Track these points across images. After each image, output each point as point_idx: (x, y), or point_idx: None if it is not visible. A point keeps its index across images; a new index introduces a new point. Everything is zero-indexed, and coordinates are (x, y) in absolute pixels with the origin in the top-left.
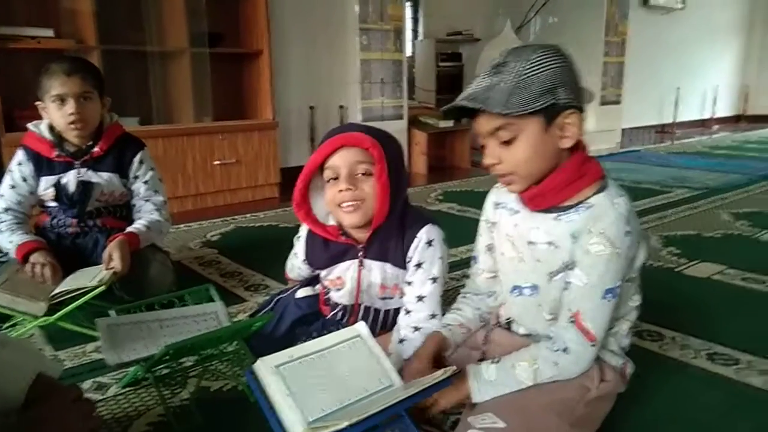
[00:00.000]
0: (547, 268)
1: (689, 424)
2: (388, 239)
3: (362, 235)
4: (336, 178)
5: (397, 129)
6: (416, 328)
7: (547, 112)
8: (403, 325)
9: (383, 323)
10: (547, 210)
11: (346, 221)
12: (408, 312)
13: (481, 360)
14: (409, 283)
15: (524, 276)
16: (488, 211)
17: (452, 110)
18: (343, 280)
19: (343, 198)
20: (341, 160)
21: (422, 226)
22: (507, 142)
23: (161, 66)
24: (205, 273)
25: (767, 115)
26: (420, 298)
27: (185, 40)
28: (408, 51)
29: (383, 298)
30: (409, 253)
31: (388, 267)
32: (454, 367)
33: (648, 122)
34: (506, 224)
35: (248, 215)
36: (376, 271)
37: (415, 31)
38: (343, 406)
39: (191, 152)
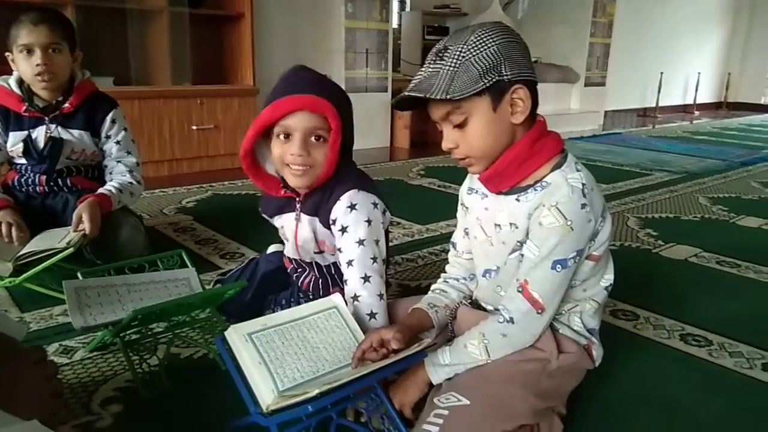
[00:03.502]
0: (508, 249)
1: (659, 402)
2: (321, 196)
3: (302, 189)
4: (287, 136)
5: (381, 101)
6: (354, 297)
7: (492, 90)
8: (346, 297)
9: (333, 279)
10: (509, 192)
11: (292, 183)
12: (345, 282)
13: (451, 339)
14: (340, 250)
15: (493, 259)
16: (463, 196)
17: (402, 101)
18: (284, 231)
19: (293, 161)
20: (297, 123)
21: (347, 190)
22: (460, 126)
23: (138, 25)
24: (179, 239)
25: (748, 102)
26: (349, 263)
27: None
28: (394, 22)
29: (318, 253)
30: (332, 215)
31: (318, 224)
32: (429, 340)
33: (630, 105)
34: (477, 208)
35: (226, 183)
36: (309, 226)
37: (402, 2)
38: (315, 377)
39: (168, 116)
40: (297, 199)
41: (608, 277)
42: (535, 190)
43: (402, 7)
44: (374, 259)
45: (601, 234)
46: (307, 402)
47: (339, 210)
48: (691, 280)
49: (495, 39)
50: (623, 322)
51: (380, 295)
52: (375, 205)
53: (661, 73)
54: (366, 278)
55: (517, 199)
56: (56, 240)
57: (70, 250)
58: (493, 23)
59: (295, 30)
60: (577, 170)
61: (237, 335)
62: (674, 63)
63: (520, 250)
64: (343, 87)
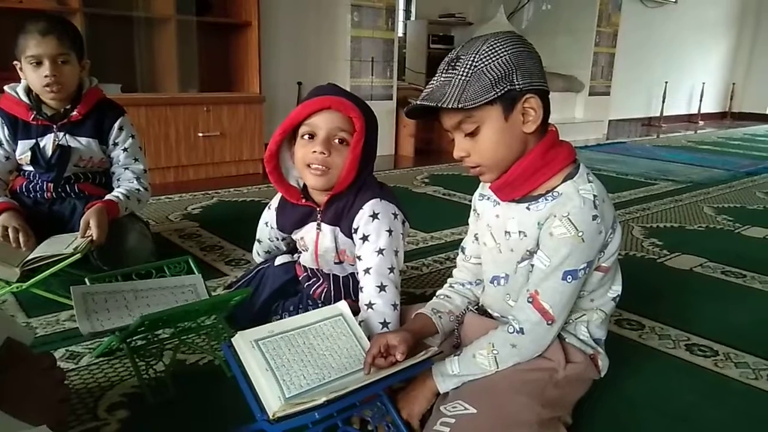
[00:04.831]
0: (516, 257)
1: (664, 412)
2: (343, 206)
3: (321, 198)
4: (312, 137)
5: (386, 109)
6: (369, 305)
7: (504, 99)
8: (360, 304)
9: (346, 290)
10: (521, 200)
11: (311, 182)
12: (361, 289)
13: (457, 346)
14: (359, 258)
15: (501, 266)
16: (475, 202)
17: (414, 111)
18: (305, 242)
19: (314, 159)
20: (323, 122)
21: (369, 199)
22: (472, 134)
23: (146, 32)
24: (184, 246)
25: (752, 113)
26: (366, 271)
27: (172, 7)
28: (399, 31)
29: (338, 263)
30: (354, 224)
31: (339, 233)
32: (435, 348)
33: (635, 115)
34: (488, 215)
35: (231, 189)
36: (330, 235)
37: (407, 11)
38: (321, 384)
39: (174, 123)
40: (318, 208)
41: (616, 288)
42: (546, 200)
43: (407, 16)
44: (391, 269)
45: (611, 245)
46: (313, 409)
47: (361, 218)
48: (697, 290)
49: (507, 48)
50: (628, 331)
51: (394, 305)
52: (395, 215)
53: (666, 82)
54: (382, 287)
55: (528, 208)
56: (63, 246)
57: (77, 255)
58: (506, 33)
59: (302, 38)
60: (589, 181)
61: (244, 341)
62: (679, 73)
63: (529, 259)
64: None
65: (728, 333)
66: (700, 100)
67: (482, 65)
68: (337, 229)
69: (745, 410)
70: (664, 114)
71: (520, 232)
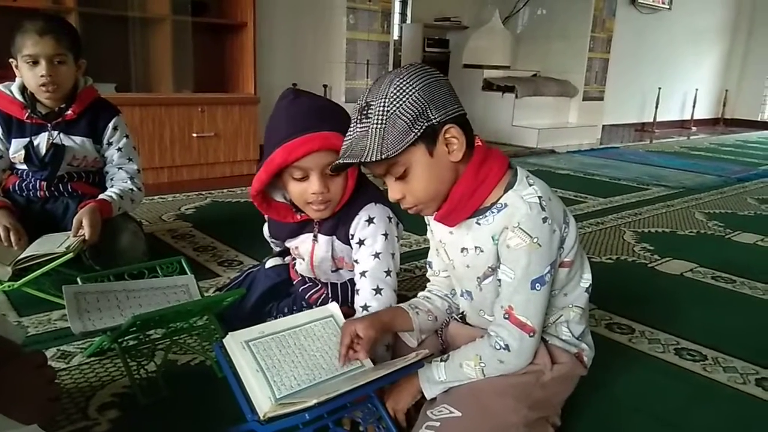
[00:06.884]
0: (476, 273)
1: (653, 415)
2: (339, 215)
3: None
4: (305, 177)
5: None
6: (364, 308)
7: (424, 137)
8: (356, 306)
9: (344, 297)
10: (469, 217)
11: (315, 216)
12: (357, 291)
13: (444, 350)
14: (357, 261)
15: (462, 282)
16: (428, 218)
17: (339, 166)
18: (299, 251)
19: (315, 199)
20: (314, 163)
21: (365, 204)
22: (402, 177)
23: (141, 32)
24: (177, 246)
25: (745, 119)
26: (363, 274)
27: (167, 7)
28: (395, 34)
29: (335, 271)
30: (351, 230)
31: (336, 241)
32: (426, 351)
33: (628, 120)
34: (441, 232)
35: (225, 190)
36: (326, 245)
37: (402, 14)
38: (312, 384)
39: (169, 123)
40: (315, 221)
41: (587, 277)
42: (492, 212)
43: (403, 20)
44: (388, 272)
45: (568, 240)
46: (304, 410)
47: (358, 224)
48: (687, 295)
49: (414, 85)
50: (618, 335)
51: None
52: (390, 218)
53: (659, 88)
54: (378, 290)
55: (478, 223)
56: (56, 245)
57: (70, 255)
58: (408, 68)
59: (297, 40)
60: (530, 184)
61: (235, 342)
62: (672, 79)
63: (493, 275)
64: (343, 98)
65: (717, 338)
66: (693, 106)
67: (394, 109)
68: (334, 238)
69: (733, 414)
70: (658, 119)
71: (476, 247)
